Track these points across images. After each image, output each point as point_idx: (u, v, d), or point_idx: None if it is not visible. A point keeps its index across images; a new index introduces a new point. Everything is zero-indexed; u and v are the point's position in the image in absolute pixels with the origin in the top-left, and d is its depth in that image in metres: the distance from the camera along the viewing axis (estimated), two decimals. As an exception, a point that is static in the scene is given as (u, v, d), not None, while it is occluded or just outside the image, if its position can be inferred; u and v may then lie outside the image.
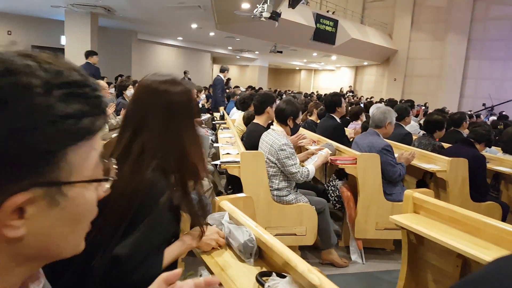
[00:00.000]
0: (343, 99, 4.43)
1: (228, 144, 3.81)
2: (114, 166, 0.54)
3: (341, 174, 3.41)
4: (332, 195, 3.44)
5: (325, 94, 16.74)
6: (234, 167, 2.83)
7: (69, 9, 9.92)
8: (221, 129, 4.93)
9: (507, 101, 15.87)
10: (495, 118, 10.08)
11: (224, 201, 1.55)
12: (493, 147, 4.29)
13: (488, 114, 14.60)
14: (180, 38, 15.49)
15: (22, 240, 0.42)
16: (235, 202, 1.57)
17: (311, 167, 2.92)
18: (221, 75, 7.94)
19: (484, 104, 16.17)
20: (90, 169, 0.47)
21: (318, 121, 5.66)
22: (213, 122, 5.88)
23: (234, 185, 3.65)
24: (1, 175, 0.39)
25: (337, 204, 3.40)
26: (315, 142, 3.97)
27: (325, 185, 3.54)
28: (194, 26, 11.54)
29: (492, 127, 5.60)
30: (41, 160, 0.41)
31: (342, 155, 3.40)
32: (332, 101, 4.41)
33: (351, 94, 19.45)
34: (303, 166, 2.97)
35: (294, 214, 2.83)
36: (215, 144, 4.07)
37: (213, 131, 5.65)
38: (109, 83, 9.21)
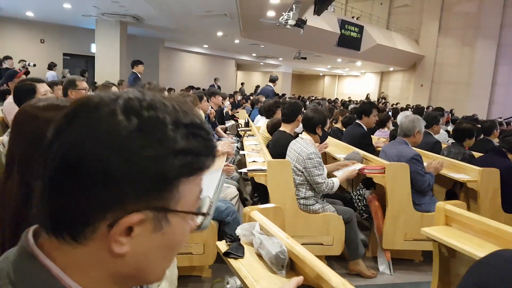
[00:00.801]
0: (374, 110, 4.37)
1: (254, 151, 3.84)
2: (211, 202, 0.58)
3: (368, 183, 3.38)
4: (359, 204, 3.41)
5: (349, 100, 16.57)
6: (261, 175, 2.86)
7: (99, 18, 10.31)
8: (246, 136, 4.97)
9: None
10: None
11: (255, 212, 1.58)
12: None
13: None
14: (206, 46, 15.77)
15: (124, 257, 0.45)
16: (265, 212, 1.59)
17: (336, 180, 2.91)
18: (271, 85, 7.90)
19: (515, 111, 15.59)
20: (192, 203, 0.50)
21: (343, 128, 5.63)
22: (238, 129, 5.94)
23: (260, 192, 3.68)
24: (124, 194, 0.43)
25: (364, 214, 3.37)
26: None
27: (352, 194, 3.51)
28: (219, 34, 11.73)
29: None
30: (160, 185, 0.45)
31: (370, 164, 3.36)
32: (362, 109, 4.38)
33: (383, 100, 19.19)
34: (330, 177, 2.97)
35: (321, 223, 2.82)
36: (241, 152, 4.11)
37: (238, 138, 5.70)
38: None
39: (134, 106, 0.45)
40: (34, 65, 8.41)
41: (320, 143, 3.23)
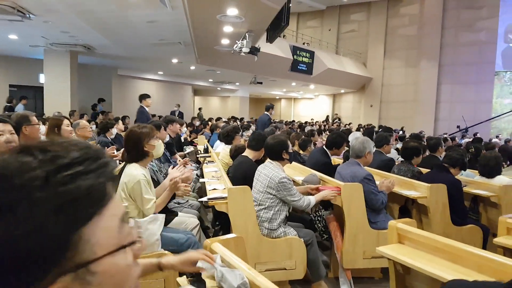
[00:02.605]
0: (344, 143, 4.47)
1: (214, 178, 3.83)
2: (138, 226, 0.54)
3: (327, 204, 3.47)
4: (319, 225, 3.48)
5: (305, 122, 17.06)
6: (221, 203, 2.85)
7: (48, 48, 9.98)
8: (206, 162, 4.95)
9: (480, 123, 16.55)
10: (468, 140, 10.46)
11: (215, 243, 1.57)
12: (469, 171, 4.45)
13: (462, 136, 15.13)
14: (161, 72, 15.69)
15: None
16: (226, 243, 1.59)
17: (312, 198, 3.03)
18: (267, 113, 7.97)
19: (458, 126, 16.79)
20: (114, 237, 0.47)
21: (301, 151, 5.78)
22: (197, 156, 5.90)
23: (222, 220, 3.65)
24: (26, 277, 0.40)
25: (324, 235, 3.44)
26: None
27: (312, 216, 3.58)
28: (174, 60, 11.74)
29: (466, 150, 5.84)
30: (57, 250, 0.41)
31: (327, 185, 3.46)
32: (334, 141, 4.39)
33: (338, 121, 19.97)
34: None
35: (284, 248, 2.85)
36: (201, 179, 4.08)
37: (197, 165, 5.66)
38: (82, 115, 9.22)
39: None
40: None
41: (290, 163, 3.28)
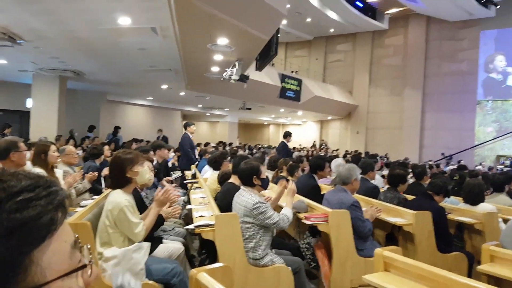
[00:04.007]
0: (327, 164, 4.61)
1: (201, 205, 3.80)
2: (89, 251, 0.55)
3: (315, 231, 3.46)
4: (307, 253, 3.46)
5: (293, 148, 17.18)
6: (208, 230, 2.81)
7: (37, 73, 9.98)
8: (193, 188, 4.92)
9: (464, 150, 16.92)
10: (453, 167, 10.66)
11: (202, 273, 1.56)
12: (453, 198, 4.52)
13: (447, 163, 15.42)
14: (150, 98, 15.75)
15: None
16: (213, 273, 1.58)
17: (285, 210, 2.98)
18: (285, 141, 8.11)
19: (443, 153, 17.11)
20: (65, 262, 0.48)
21: (290, 177, 5.80)
22: (184, 182, 5.86)
23: (208, 248, 3.60)
24: None
25: (312, 263, 3.41)
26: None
27: (300, 243, 3.56)
28: (164, 86, 11.84)
29: (450, 178, 5.95)
30: (9, 273, 0.42)
31: (315, 212, 3.46)
32: (316, 164, 4.56)
33: (325, 147, 20.19)
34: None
35: (271, 276, 2.81)
36: (187, 206, 4.04)
37: (184, 191, 5.61)
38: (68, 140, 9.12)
39: None
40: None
41: (264, 190, 3.28)
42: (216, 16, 5.11)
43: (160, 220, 2.94)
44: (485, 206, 3.85)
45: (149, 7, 5.05)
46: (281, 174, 5.85)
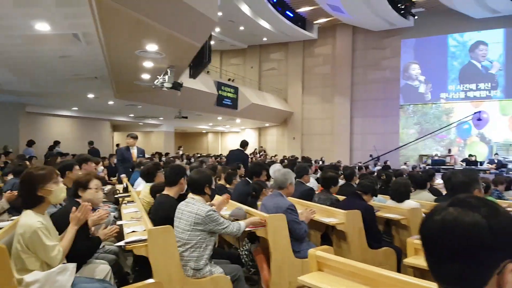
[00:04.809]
0: (264, 171, 4.65)
1: (133, 220, 3.60)
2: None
3: (254, 237, 3.45)
4: (246, 259, 3.44)
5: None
6: (140, 246, 2.66)
7: None
8: (125, 203, 4.65)
9: (389, 151, 18.26)
10: (380, 167, 11.43)
11: (128, 291, 1.44)
12: (380, 196, 4.80)
13: (375, 164, 16.50)
14: (75, 108, 14.74)
15: None
16: (141, 290, 1.47)
17: (242, 223, 3.03)
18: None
19: (371, 155, 18.30)
20: None
21: (228, 185, 5.75)
22: (116, 196, 5.53)
23: (142, 264, 3.40)
24: None
25: (251, 269, 3.39)
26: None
27: (239, 250, 3.53)
28: (91, 96, 11.15)
29: (378, 177, 6.35)
30: None
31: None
32: (254, 170, 4.59)
33: (264, 153, 20.50)
34: None
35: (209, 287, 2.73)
36: (118, 222, 3.80)
37: (116, 206, 5.29)
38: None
39: None
40: None
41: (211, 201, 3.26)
42: (144, 22, 4.94)
43: (96, 242, 2.77)
44: (410, 203, 4.12)
45: (69, 13, 4.72)
46: (220, 182, 5.79)
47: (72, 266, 2.35)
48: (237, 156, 7.49)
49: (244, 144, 7.84)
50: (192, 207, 2.88)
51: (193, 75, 8.52)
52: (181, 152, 18.72)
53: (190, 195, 3.02)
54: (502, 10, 15.74)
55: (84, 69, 7.66)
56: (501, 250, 0.76)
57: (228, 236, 4.44)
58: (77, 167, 4.83)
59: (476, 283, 0.77)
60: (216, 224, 2.84)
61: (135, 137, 7.15)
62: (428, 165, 15.67)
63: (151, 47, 6.10)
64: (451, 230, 0.80)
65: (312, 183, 5.79)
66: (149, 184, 4.49)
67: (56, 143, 12.24)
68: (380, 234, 3.77)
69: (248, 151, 21.29)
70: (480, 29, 16.86)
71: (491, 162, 14.51)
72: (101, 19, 4.76)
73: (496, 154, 15.24)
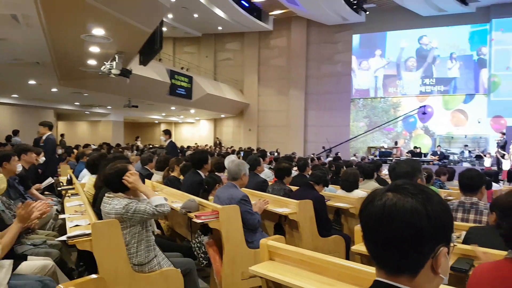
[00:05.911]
0: (209, 156, 4.57)
1: (77, 213, 3.40)
2: None
3: (206, 229, 3.40)
4: (199, 252, 3.38)
5: (188, 146, 16.90)
6: (84, 240, 2.51)
7: None
8: (69, 196, 4.39)
9: (341, 143, 18.90)
10: (331, 159, 11.79)
11: (68, 289, 1.34)
12: (331, 186, 4.94)
13: (327, 155, 17.01)
14: (16, 95, 13.66)
15: None
16: (84, 286, 1.37)
17: (153, 198, 2.71)
18: (163, 138, 7.44)
19: (323, 147, 18.84)
20: None
21: (181, 176, 5.60)
22: (59, 188, 5.20)
23: (87, 260, 3.24)
24: None
25: (203, 261, 3.35)
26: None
27: (191, 243, 3.47)
28: (32, 82, 10.38)
29: (329, 168, 6.52)
30: None
31: (205, 209, 3.40)
32: (200, 158, 4.51)
33: (219, 144, 20.31)
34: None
35: (159, 282, 2.64)
36: (60, 216, 3.58)
37: (59, 199, 5.00)
38: None
39: None
40: None
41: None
42: (90, 4, 4.63)
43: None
44: (358, 192, 4.30)
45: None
46: (173, 174, 5.63)
47: (8, 262, 2.22)
48: (173, 147, 7.47)
49: (166, 133, 7.76)
50: (110, 208, 2.59)
51: (144, 62, 8.17)
52: (138, 143, 18.09)
53: (106, 195, 2.72)
54: (448, 9, 16.70)
55: (24, 54, 7.10)
56: (437, 236, 0.81)
57: (180, 228, 4.36)
58: (15, 157, 4.47)
59: (415, 267, 0.81)
60: (140, 211, 2.55)
61: (47, 125, 6.29)
62: (375, 156, 16.42)
63: (98, 31, 5.74)
64: (392, 217, 0.82)
65: (266, 173, 5.83)
66: (94, 176, 4.26)
67: (15, 132, 11.38)
68: (330, 223, 3.88)
69: (203, 142, 21.10)
70: (428, 26, 17.78)
71: (434, 153, 15.50)
72: (42, 0, 4.40)
73: (439, 146, 16.28)
